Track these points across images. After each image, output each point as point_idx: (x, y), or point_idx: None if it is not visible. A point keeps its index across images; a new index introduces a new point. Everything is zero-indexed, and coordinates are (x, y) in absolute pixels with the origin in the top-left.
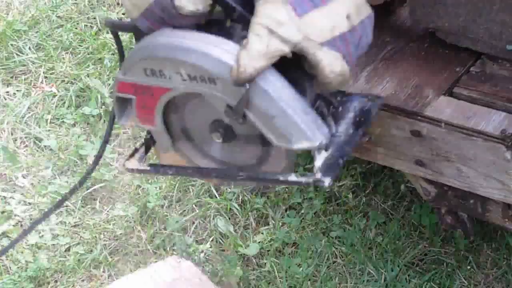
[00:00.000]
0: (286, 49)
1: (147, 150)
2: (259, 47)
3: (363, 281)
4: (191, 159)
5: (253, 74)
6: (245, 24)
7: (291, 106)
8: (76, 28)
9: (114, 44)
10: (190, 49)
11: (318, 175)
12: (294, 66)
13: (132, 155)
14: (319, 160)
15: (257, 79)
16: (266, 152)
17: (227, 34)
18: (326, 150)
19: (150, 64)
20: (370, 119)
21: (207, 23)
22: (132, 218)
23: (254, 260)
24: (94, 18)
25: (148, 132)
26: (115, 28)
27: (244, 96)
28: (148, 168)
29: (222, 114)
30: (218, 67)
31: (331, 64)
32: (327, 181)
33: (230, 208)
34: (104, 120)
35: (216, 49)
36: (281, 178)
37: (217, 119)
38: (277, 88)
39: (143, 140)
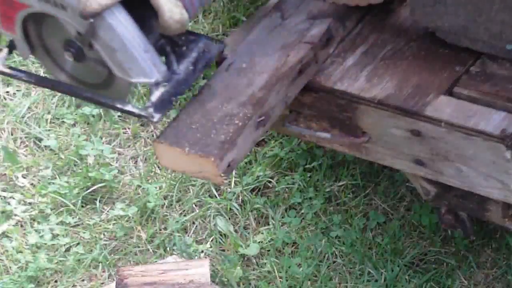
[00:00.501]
0: None
1: (9, 53)
2: None
3: (363, 281)
4: (47, 68)
5: (97, 9)
6: None
7: (133, 43)
8: None
9: None
10: None
11: (150, 110)
12: (144, 5)
13: None
14: (155, 95)
15: (105, 13)
16: (111, 77)
17: None
18: (163, 86)
19: None
20: (209, 62)
21: None
22: (132, 218)
23: (254, 260)
24: None
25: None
26: None
27: (89, 28)
28: (8, 70)
29: (73, 37)
30: None
31: (171, 11)
32: (156, 117)
33: (230, 208)
34: (105, 120)
35: None
36: (118, 105)
37: (69, 39)
38: (122, 24)
39: (6, 43)
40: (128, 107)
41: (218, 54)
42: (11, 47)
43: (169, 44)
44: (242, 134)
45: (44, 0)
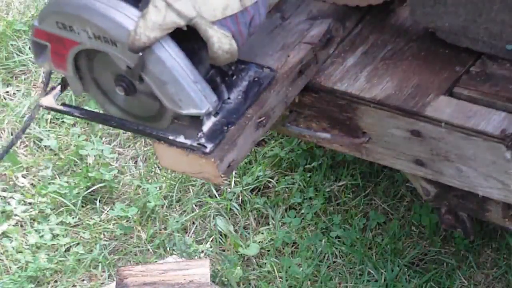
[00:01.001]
0: (181, 23)
1: (62, 90)
2: (156, 18)
3: (363, 281)
4: (99, 104)
5: (146, 43)
6: None
7: (182, 74)
8: None
9: None
10: (94, 10)
11: (202, 140)
12: (194, 36)
13: (48, 93)
14: (206, 125)
15: (154, 47)
16: (161, 111)
17: None
18: (214, 115)
19: (61, 18)
20: (261, 90)
21: None
22: (132, 218)
23: (254, 260)
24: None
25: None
26: None
27: (139, 61)
28: (61, 107)
29: (124, 71)
30: (118, 31)
31: (220, 42)
32: (209, 147)
33: (230, 208)
34: None
35: (119, 13)
36: (171, 137)
37: (120, 74)
38: (171, 56)
39: (60, 80)
40: (181, 139)
41: (269, 83)
42: (64, 84)
43: (219, 74)
44: (242, 134)
45: (94, 37)
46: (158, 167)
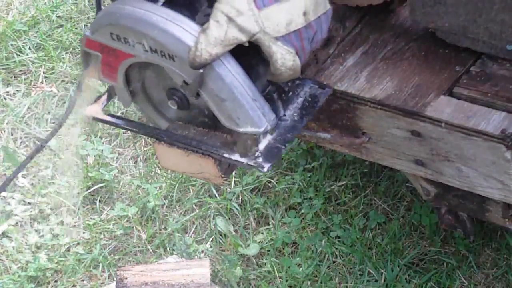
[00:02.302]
0: (243, 38)
1: (109, 99)
2: (217, 34)
3: (363, 281)
4: (148, 116)
5: (208, 60)
6: (211, 0)
7: (242, 92)
8: (76, 28)
9: None
10: (153, 24)
11: (260, 159)
12: (252, 51)
13: (94, 104)
14: (263, 143)
15: (213, 63)
16: (215, 127)
17: (193, 8)
18: (271, 133)
19: (116, 30)
20: (317, 107)
21: None
22: (132, 218)
23: (254, 260)
24: (94, 18)
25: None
26: None
27: (199, 77)
28: (108, 118)
29: (179, 86)
30: (177, 45)
31: (283, 58)
32: (266, 167)
33: (230, 208)
34: None
35: (178, 27)
36: (225, 155)
37: (173, 87)
38: (231, 74)
39: (107, 90)
40: (236, 157)
41: (325, 99)
42: (110, 94)
43: (276, 90)
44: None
45: (151, 51)
46: (158, 167)
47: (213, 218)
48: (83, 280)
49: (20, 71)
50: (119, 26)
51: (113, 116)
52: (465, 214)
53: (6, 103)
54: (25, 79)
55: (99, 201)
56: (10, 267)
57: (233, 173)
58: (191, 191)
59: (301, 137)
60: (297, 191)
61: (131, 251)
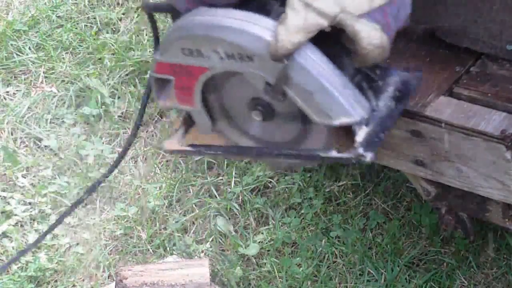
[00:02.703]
0: (324, 23)
1: (186, 130)
2: (297, 21)
3: (363, 281)
4: (230, 138)
5: (291, 49)
6: (283, 0)
7: (330, 81)
8: (76, 28)
9: (113, 44)
10: (227, 27)
11: (360, 150)
12: (333, 41)
13: (171, 136)
14: (360, 135)
15: (295, 54)
16: (305, 130)
17: (264, 11)
18: (366, 125)
19: (187, 43)
20: (410, 93)
21: (244, 1)
22: (132, 218)
23: (254, 260)
24: (94, 18)
25: (187, 112)
26: (152, 10)
27: (283, 71)
28: (189, 148)
29: (261, 92)
30: (256, 43)
31: (370, 36)
32: (368, 156)
33: (230, 208)
34: (105, 120)
35: (253, 25)
36: (322, 155)
37: (256, 97)
38: (316, 63)
39: (182, 120)
40: (333, 154)
41: (418, 84)
42: (187, 124)
43: (364, 79)
44: None
45: (227, 56)
46: (158, 167)
47: (213, 218)
48: (83, 280)
49: (20, 71)
50: (190, 37)
51: (194, 146)
52: (465, 214)
53: (6, 103)
54: (25, 79)
55: (99, 201)
56: (10, 267)
57: (233, 173)
58: (191, 191)
59: None
60: (297, 191)
61: (131, 251)
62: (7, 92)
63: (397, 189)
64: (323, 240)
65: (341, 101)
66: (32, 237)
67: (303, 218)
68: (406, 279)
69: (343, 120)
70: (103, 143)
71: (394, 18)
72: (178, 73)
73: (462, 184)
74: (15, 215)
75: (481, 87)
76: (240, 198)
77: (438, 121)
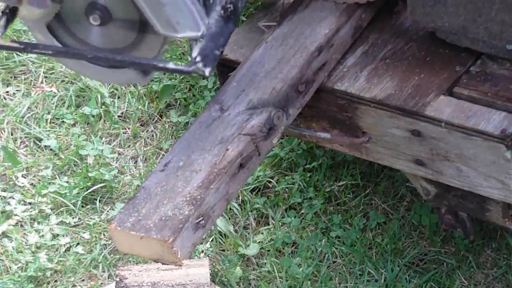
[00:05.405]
0: None
1: (7, 26)
2: None
3: (363, 281)
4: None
5: None
6: None
7: None
8: None
9: None
10: None
11: (200, 64)
12: None
13: None
14: (195, 50)
15: None
16: (139, 39)
17: None
18: (199, 41)
19: None
20: (239, 12)
21: None
22: None
23: (254, 260)
24: None
25: (6, 7)
26: None
27: None
28: (14, 44)
29: None
30: None
31: None
32: (207, 71)
33: (230, 208)
34: (105, 120)
35: None
36: (160, 64)
37: (93, 1)
38: None
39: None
40: (171, 65)
41: (244, 4)
42: (8, 17)
43: None
44: (178, 238)
45: None
46: None
47: None
48: (83, 280)
49: (20, 71)
50: None
51: (18, 42)
52: (465, 214)
53: (6, 103)
54: (25, 79)
55: (99, 201)
56: (10, 267)
57: None
58: None
59: (301, 137)
60: (297, 191)
61: None
62: (7, 92)
63: (397, 189)
64: (323, 240)
65: (189, 16)
66: (32, 238)
67: (303, 218)
68: (406, 279)
69: (187, 34)
70: (103, 143)
71: None
72: None
73: (462, 183)
74: (15, 215)
75: (481, 86)
76: (240, 198)
77: (438, 120)
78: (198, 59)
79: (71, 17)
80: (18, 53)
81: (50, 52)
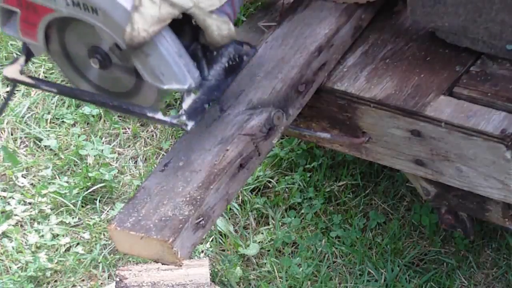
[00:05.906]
0: (176, 13)
1: (27, 60)
2: (153, 12)
3: (363, 281)
4: (72, 80)
5: (146, 38)
6: None
7: (166, 47)
8: None
9: None
10: None
11: (183, 118)
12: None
13: (12, 64)
14: (187, 102)
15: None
16: (139, 85)
17: None
18: (195, 93)
19: None
20: (242, 67)
21: None
22: None
23: (254, 260)
24: None
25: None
26: None
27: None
28: (28, 79)
29: (102, 41)
30: None
31: (220, 29)
32: (190, 125)
33: (230, 208)
34: (105, 120)
35: None
36: (149, 114)
37: (96, 45)
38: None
39: (22, 49)
40: (159, 116)
41: (249, 59)
42: (28, 54)
43: (201, 48)
44: (178, 238)
45: (73, 3)
46: None
47: None
48: (83, 280)
49: None
50: None
51: (32, 77)
52: (465, 214)
53: None
54: None
55: (99, 201)
56: (10, 267)
57: None
58: None
59: (301, 137)
60: (297, 191)
61: None
62: (7, 92)
63: (397, 189)
64: (323, 240)
65: (174, 68)
66: (32, 238)
67: (303, 218)
68: (406, 279)
69: (173, 86)
70: (103, 143)
71: (239, 2)
72: (25, 8)
73: (462, 183)
74: (15, 215)
75: (481, 86)
76: (240, 198)
77: (438, 120)
78: (184, 112)
79: (78, 60)
80: (18, 53)
81: (55, 90)
